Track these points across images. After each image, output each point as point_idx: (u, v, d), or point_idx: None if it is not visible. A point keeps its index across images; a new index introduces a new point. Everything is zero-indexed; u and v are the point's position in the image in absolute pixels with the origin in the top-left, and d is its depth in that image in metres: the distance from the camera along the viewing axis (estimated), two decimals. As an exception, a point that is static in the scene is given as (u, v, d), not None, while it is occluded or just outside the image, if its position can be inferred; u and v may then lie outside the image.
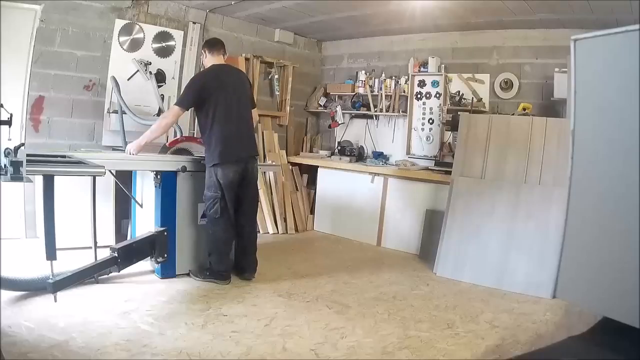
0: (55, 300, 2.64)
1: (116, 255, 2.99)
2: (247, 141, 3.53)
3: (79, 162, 2.90)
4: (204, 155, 3.55)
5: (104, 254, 3.05)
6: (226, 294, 3.27)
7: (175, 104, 3.43)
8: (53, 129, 4.13)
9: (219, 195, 3.33)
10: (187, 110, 3.49)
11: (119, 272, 3.13)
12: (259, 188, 3.71)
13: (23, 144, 2.53)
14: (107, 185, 3.96)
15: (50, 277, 2.58)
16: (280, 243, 4.98)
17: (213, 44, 3.58)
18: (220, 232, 3.41)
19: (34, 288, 2.89)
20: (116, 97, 4.15)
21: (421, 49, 5.38)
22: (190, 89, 3.40)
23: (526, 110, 4.35)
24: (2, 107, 3.19)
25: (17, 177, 1.98)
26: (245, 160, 3.46)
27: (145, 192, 3.69)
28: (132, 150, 3.37)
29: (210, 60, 3.53)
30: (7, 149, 2.08)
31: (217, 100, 3.34)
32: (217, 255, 3.43)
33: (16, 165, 1.98)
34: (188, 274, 3.52)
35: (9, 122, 3.26)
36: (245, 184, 3.48)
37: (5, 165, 2.19)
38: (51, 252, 2.48)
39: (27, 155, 2.40)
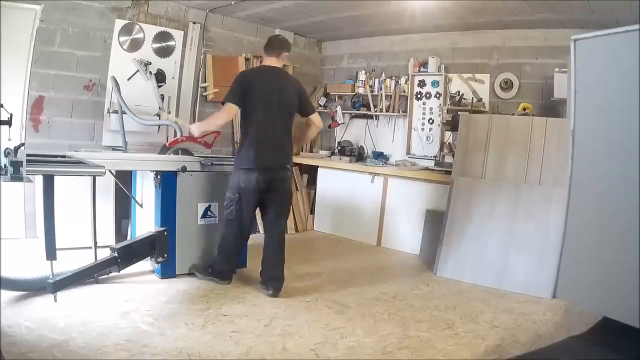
0: (55, 300, 2.64)
1: (116, 255, 2.99)
2: (279, 151, 3.29)
3: (78, 162, 2.90)
4: (204, 156, 3.55)
5: (104, 254, 3.05)
6: (226, 294, 3.27)
7: (225, 100, 3.20)
8: (53, 129, 4.13)
9: (236, 199, 3.24)
10: (238, 104, 3.17)
11: (119, 272, 3.13)
12: (288, 198, 3.47)
13: (23, 144, 2.53)
14: (107, 185, 3.96)
15: (50, 277, 2.58)
16: (280, 243, 4.98)
17: (266, 44, 3.36)
18: (230, 234, 3.35)
19: (34, 288, 2.89)
20: (116, 97, 4.15)
21: (421, 49, 5.38)
22: (233, 84, 3.21)
23: (526, 110, 4.35)
24: (2, 107, 3.19)
25: (17, 177, 1.98)
26: (273, 170, 3.26)
27: (145, 192, 3.69)
28: (194, 131, 3.31)
29: (264, 61, 3.38)
30: (7, 149, 2.09)
31: (257, 102, 3.17)
32: (222, 256, 3.41)
33: (16, 165, 1.98)
34: (190, 272, 3.52)
35: (9, 122, 3.27)
36: (271, 193, 3.29)
37: (5, 165, 2.20)
38: (51, 252, 2.48)
39: (27, 155, 2.40)
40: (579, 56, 2.62)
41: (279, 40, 3.41)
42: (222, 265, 3.42)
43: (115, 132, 4.36)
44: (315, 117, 3.44)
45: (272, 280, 3.33)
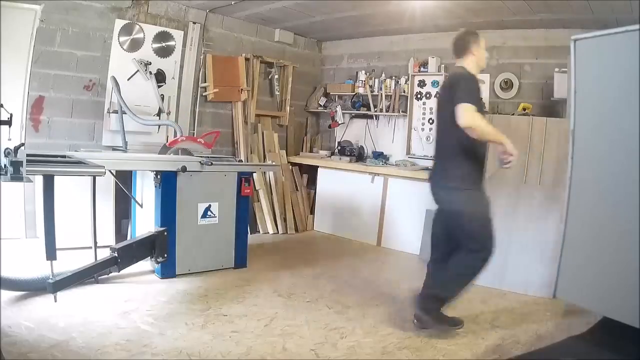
0: (55, 300, 2.64)
1: (116, 255, 2.99)
2: (438, 168, 2.87)
3: (78, 162, 2.90)
4: (204, 156, 3.50)
5: (104, 254, 3.05)
6: (226, 294, 3.27)
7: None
8: (53, 129, 4.13)
9: (488, 223, 2.76)
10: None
11: (119, 272, 3.13)
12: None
13: (23, 144, 2.53)
14: (107, 185, 3.96)
15: (50, 277, 2.58)
16: (280, 243, 4.98)
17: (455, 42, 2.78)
18: (480, 264, 2.75)
19: (34, 288, 2.89)
20: (116, 97, 4.15)
21: (421, 49, 5.37)
22: (474, 87, 2.62)
23: (526, 110, 4.35)
24: (2, 107, 3.19)
25: (17, 177, 1.98)
26: (434, 191, 2.84)
27: (145, 192, 3.69)
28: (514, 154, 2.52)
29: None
30: (7, 149, 2.08)
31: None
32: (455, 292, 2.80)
33: (16, 165, 1.98)
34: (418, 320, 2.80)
35: (9, 122, 3.27)
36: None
37: (5, 165, 2.19)
38: (51, 252, 2.48)
39: (27, 155, 2.40)
40: (579, 56, 2.62)
41: (459, 36, 2.76)
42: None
43: (115, 132, 4.36)
44: (462, 110, 2.46)
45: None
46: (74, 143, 4.18)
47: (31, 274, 2.89)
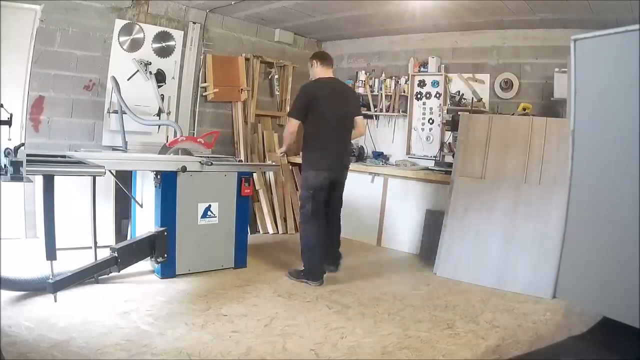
0: (55, 300, 2.64)
1: (116, 255, 2.99)
2: (342, 153, 3.78)
3: (78, 162, 2.90)
4: (204, 156, 3.55)
5: (104, 254, 3.05)
6: (226, 294, 3.27)
7: (289, 115, 3.75)
8: (53, 129, 4.14)
9: (311, 196, 3.58)
10: (301, 120, 3.61)
11: (119, 272, 3.13)
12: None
13: (23, 144, 2.54)
14: (107, 185, 3.96)
15: (50, 277, 2.58)
16: (280, 243, 4.98)
17: (326, 57, 3.81)
18: (311, 230, 3.60)
19: (34, 288, 2.89)
20: (116, 97, 4.15)
21: (421, 49, 5.38)
22: (299, 100, 3.64)
23: (526, 110, 4.35)
24: (2, 107, 3.19)
25: (17, 177, 1.98)
26: (337, 170, 3.71)
27: (145, 192, 3.69)
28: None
29: (320, 71, 3.72)
30: (7, 149, 2.08)
31: (323, 112, 3.55)
32: (308, 254, 3.61)
33: (16, 165, 1.98)
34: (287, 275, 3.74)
35: (9, 122, 3.27)
36: (334, 188, 3.74)
37: (5, 165, 2.19)
38: (51, 252, 2.48)
39: (27, 155, 2.40)
40: (579, 56, 2.62)
41: (329, 55, 3.92)
42: (311, 264, 3.59)
43: (115, 132, 4.36)
44: (360, 120, 3.88)
45: (339, 257, 3.91)
46: (74, 143, 4.18)
47: (31, 274, 2.89)
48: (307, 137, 3.66)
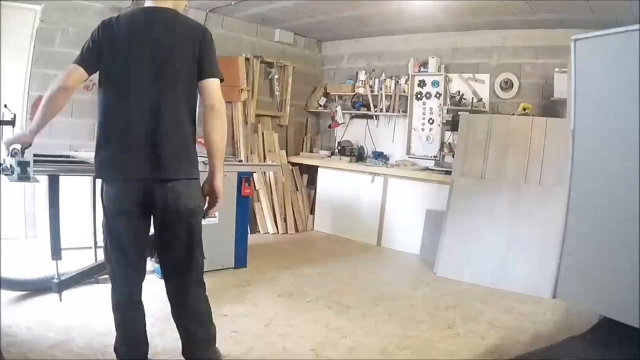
0: (60, 300, 2.64)
1: None
2: (163, 145, 1.88)
3: (82, 162, 2.90)
4: (204, 156, 2.27)
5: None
6: (226, 294, 3.27)
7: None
8: (53, 129, 4.12)
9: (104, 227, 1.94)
10: (86, 66, 1.92)
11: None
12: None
13: (30, 144, 2.55)
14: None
15: (56, 277, 2.57)
16: (280, 243, 4.98)
17: None
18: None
19: (34, 288, 2.89)
20: (116, 97, 4.13)
21: (421, 49, 5.37)
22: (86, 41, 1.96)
23: (526, 110, 4.35)
24: (6, 107, 3.19)
25: (24, 177, 1.99)
26: (150, 180, 1.85)
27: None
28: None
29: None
30: (14, 149, 2.09)
31: (118, 62, 1.88)
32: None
33: (23, 165, 1.99)
34: None
35: (12, 123, 3.28)
36: (163, 224, 1.93)
37: (11, 165, 2.21)
38: (56, 252, 2.48)
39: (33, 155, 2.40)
40: (579, 56, 2.62)
41: None
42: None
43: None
44: (212, 84, 2.03)
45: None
46: (74, 143, 4.17)
47: (31, 274, 2.89)
48: (98, 113, 1.89)
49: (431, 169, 4.86)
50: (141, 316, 2.08)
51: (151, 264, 3.51)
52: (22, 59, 3.95)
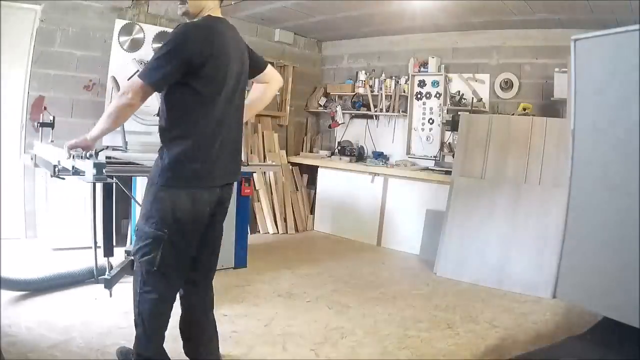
0: (111, 296, 2.64)
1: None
2: (234, 153, 2.09)
3: (130, 163, 2.97)
4: None
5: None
6: (226, 294, 3.27)
7: (139, 77, 1.88)
8: (53, 129, 4.13)
9: (165, 237, 1.89)
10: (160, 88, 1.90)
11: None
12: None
13: (106, 147, 2.73)
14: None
15: (107, 273, 2.62)
16: (280, 243, 4.98)
17: None
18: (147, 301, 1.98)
19: (34, 288, 2.90)
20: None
21: (421, 49, 5.37)
22: (165, 48, 1.82)
23: (526, 110, 4.35)
24: (46, 109, 3.38)
25: (100, 177, 2.11)
26: (223, 187, 2.06)
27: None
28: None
29: (210, 4, 1.98)
30: (89, 152, 2.26)
31: (220, 79, 1.90)
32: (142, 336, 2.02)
33: (99, 167, 2.12)
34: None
35: (51, 125, 3.41)
36: (214, 219, 2.10)
37: (73, 167, 2.37)
38: (109, 249, 2.52)
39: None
40: (579, 56, 2.62)
41: None
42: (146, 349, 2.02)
43: (115, 132, 4.33)
44: (272, 71, 2.27)
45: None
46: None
47: (31, 274, 2.90)
48: (177, 124, 1.90)
49: (431, 169, 4.86)
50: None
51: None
52: (22, 59, 3.95)
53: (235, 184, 3.28)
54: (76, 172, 2.32)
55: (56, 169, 2.56)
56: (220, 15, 2.03)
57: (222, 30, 1.96)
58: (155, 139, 4.14)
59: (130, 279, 2.32)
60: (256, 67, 2.19)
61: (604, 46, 2.51)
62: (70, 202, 3.82)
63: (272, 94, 2.32)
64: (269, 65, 2.28)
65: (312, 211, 5.76)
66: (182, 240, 1.92)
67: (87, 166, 2.13)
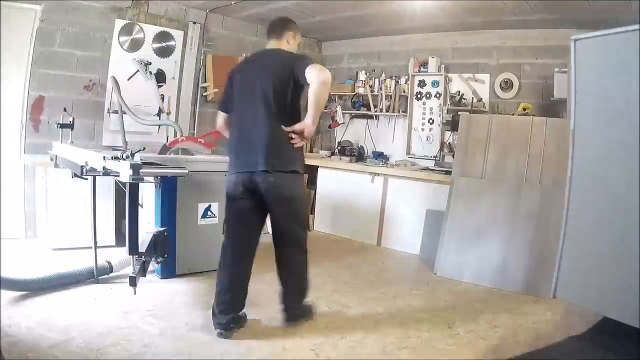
0: (135, 293, 2.61)
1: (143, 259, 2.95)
2: (259, 150, 2.56)
3: (151, 164, 2.96)
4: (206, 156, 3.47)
5: (104, 254, 3.05)
6: (226, 294, 3.27)
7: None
8: (53, 129, 4.12)
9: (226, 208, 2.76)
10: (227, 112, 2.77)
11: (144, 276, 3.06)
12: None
13: (144, 149, 2.78)
14: (107, 185, 3.96)
15: (132, 271, 2.61)
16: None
17: (271, 24, 2.83)
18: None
19: (34, 288, 2.90)
20: (116, 97, 4.15)
21: (421, 49, 5.38)
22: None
23: (526, 110, 4.35)
24: (65, 110, 3.48)
25: (137, 178, 2.28)
26: (252, 174, 2.58)
27: (145, 192, 3.69)
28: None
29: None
30: (124, 153, 2.39)
31: (236, 94, 2.69)
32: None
33: (136, 167, 2.27)
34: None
35: (71, 126, 3.52)
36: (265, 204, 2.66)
37: (104, 167, 2.51)
38: (134, 247, 2.53)
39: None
40: (579, 56, 2.62)
41: (281, 20, 2.85)
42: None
43: (115, 132, 4.36)
44: (309, 73, 2.51)
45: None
46: (74, 143, 4.18)
47: (31, 274, 2.90)
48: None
49: (431, 169, 4.86)
50: (244, 276, 2.77)
51: (151, 264, 3.52)
52: (22, 59, 3.96)
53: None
54: (106, 172, 2.54)
55: (84, 169, 2.71)
56: (271, 47, 2.76)
57: (252, 58, 2.86)
58: (155, 138, 4.19)
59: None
60: (300, 77, 2.58)
61: (604, 46, 2.51)
62: (70, 202, 3.82)
63: (312, 93, 2.58)
64: (309, 68, 2.50)
65: (312, 211, 5.75)
66: (229, 208, 2.70)
67: (124, 167, 2.31)
